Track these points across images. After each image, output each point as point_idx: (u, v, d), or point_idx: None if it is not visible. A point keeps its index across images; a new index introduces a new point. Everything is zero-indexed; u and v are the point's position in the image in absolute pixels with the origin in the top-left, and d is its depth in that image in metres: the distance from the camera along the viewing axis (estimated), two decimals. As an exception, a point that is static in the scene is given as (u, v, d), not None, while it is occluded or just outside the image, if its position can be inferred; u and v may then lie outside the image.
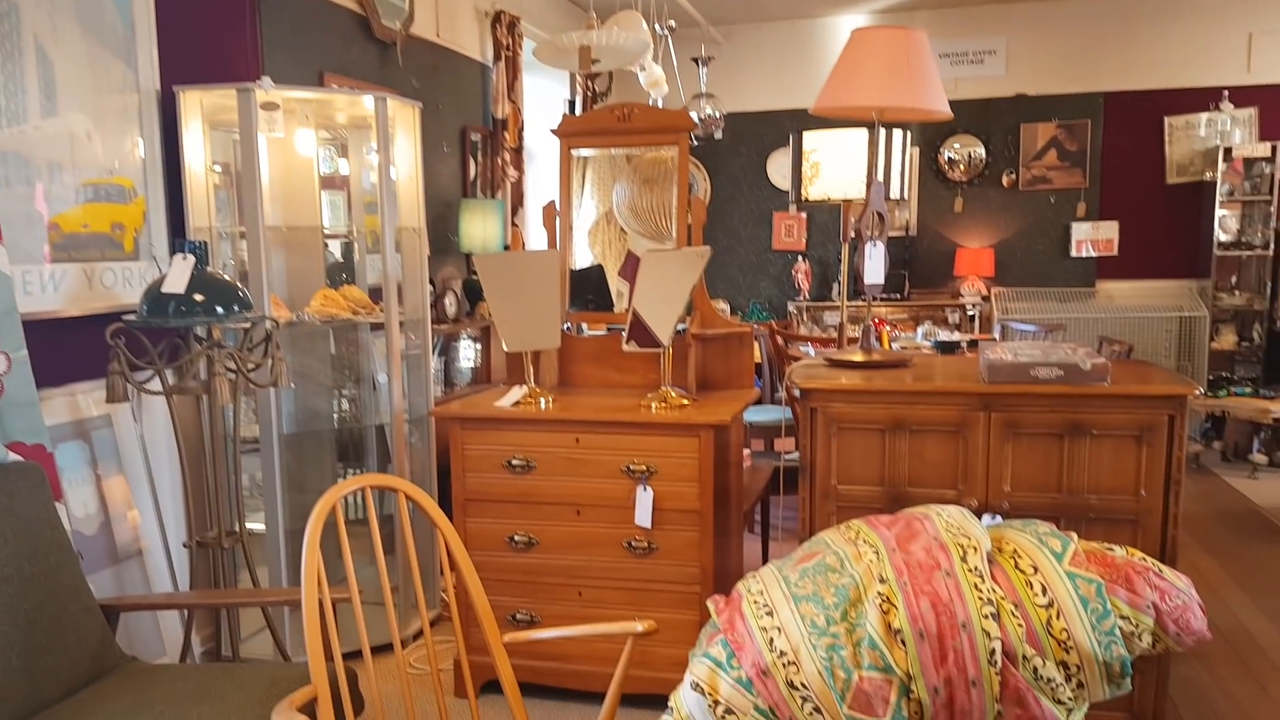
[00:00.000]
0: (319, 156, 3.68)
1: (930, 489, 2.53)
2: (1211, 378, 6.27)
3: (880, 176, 3.12)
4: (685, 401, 2.84)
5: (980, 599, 1.57)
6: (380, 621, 3.19)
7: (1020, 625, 1.57)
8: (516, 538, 2.83)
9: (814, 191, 3.23)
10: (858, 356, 2.86)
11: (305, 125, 3.58)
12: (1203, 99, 6.38)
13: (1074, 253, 6.69)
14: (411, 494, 1.92)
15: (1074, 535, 1.75)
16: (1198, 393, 2.36)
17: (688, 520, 2.72)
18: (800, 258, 7.02)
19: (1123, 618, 1.61)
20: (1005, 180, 6.78)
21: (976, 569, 1.61)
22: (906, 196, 3.40)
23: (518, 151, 5.40)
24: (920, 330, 5.17)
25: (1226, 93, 6.30)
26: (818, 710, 1.52)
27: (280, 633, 2.86)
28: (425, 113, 3.64)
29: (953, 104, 6.77)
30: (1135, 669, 2.51)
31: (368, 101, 3.33)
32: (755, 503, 3.76)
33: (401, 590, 3.37)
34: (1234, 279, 6.41)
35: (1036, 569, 1.63)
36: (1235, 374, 6.29)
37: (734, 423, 3.01)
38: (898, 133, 3.33)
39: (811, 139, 3.22)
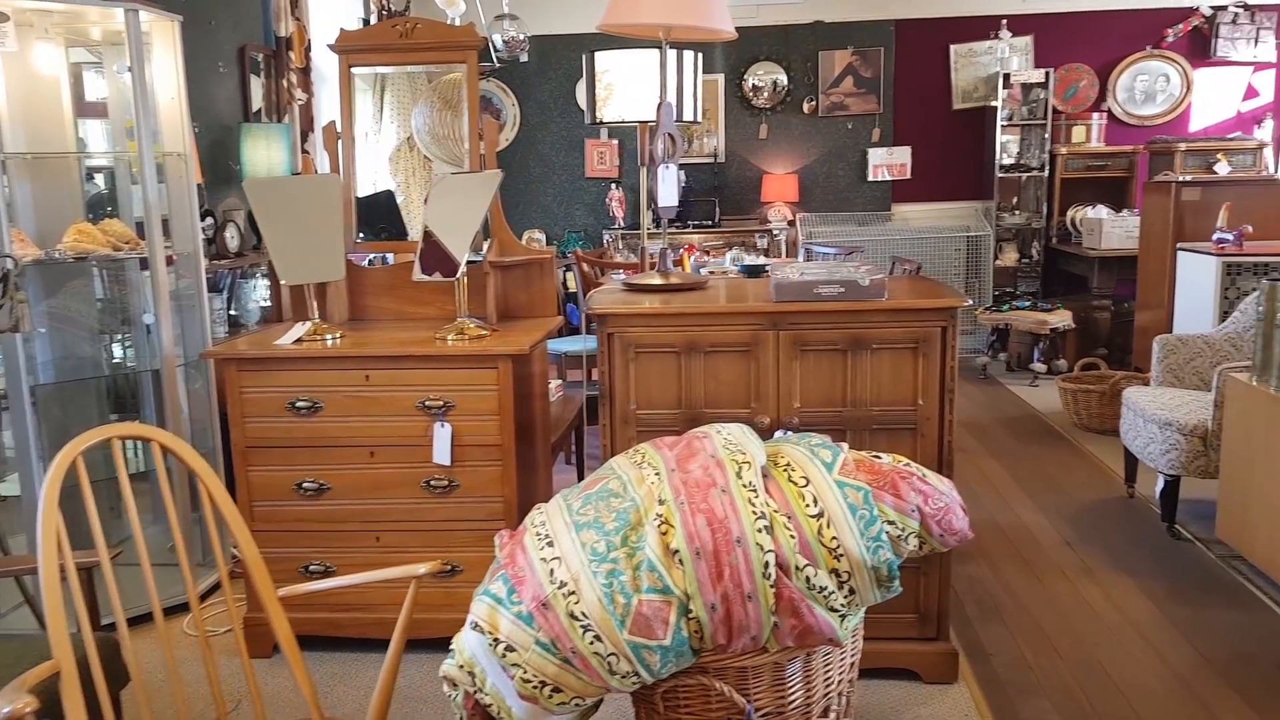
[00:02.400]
0: (69, 76, 3.28)
1: (726, 409, 2.55)
2: (997, 293, 6.71)
3: (673, 98, 3.08)
4: (483, 332, 2.75)
5: (754, 513, 1.58)
6: (173, 582, 2.98)
7: (793, 536, 1.59)
8: (305, 484, 2.68)
9: (608, 113, 3.15)
10: (655, 280, 2.83)
11: (47, 40, 3.18)
12: (985, 27, 6.70)
13: (871, 177, 6.96)
14: (166, 443, 1.75)
15: (844, 446, 1.79)
16: (967, 304, 2.47)
17: (489, 455, 2.64)
18: (614, 185, 6.96)
19: (889, 522, 1.66)
20: (806, 107, 6.93)
21: (751, 484, 1.61)
22: (702, 119, 3.38)
23: (305, 73, 5.04)
24: (729, 255, 5.24)
25: (1005, 21, 6.63)
26: (598, 638, 1.50)
27: (39, 604, 2.61)
28: (193, 29, 3.31)
29: (753, 30, 6.80)
30: (920, 570, 2.67)
31: (119, 14, 2.98)
32: (567, 433, 3.72)
33: (183, 549, 3.15)
34: (1015, 199, 6.84)
35: (809, 480, 1.66)
36: (1019, 289, 6.75)
37: (535, 352, 2.94)
38: (690, 54, 3.29)
39: (604, 59, 3.14)
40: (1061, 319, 5.91)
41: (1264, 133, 6.39)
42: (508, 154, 7.03)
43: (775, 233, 6.67)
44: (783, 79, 6.91)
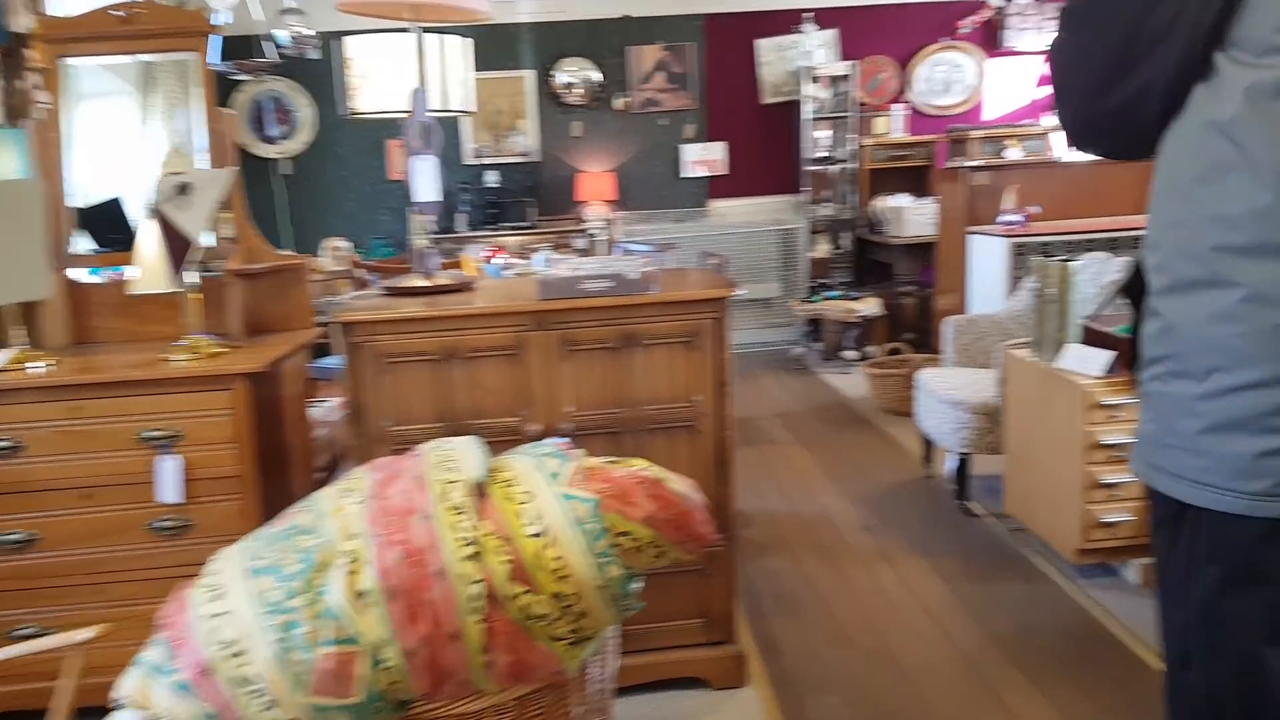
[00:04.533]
0: None
1: (493, 419, 2.37)
2: (812, 284, 6.80)
3: (440, 86, 2.88)
4: (219, 350, 2.46)
5: (461, 540, 1.40)
6: None
7: (509, 561, 1.42)
8: (9, 537, 2.33)
9: (362, 103, 2.91)
10: (416, 283, 2.62)
11: None
12: (790, 20, 6.78)
13: (687, 173, 6.93)
14: None
15: (578, 453, 1.64)
16: (738, 294, 2.37)
17: (226, 488, 2.37)
18: (423, 189, 6.66)
19: (621, 534, 1.52)
20: (620, 103, 6.83)
21: (459, 506, 1.43)
22: (473, 108, 3.19)
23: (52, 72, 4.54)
24: (538, 257, 5.07)
25: (810, 14, 6.72)
26: (274, 704, 1.28)
27: None
28: None
29: (561, 25, 6.62)
30: (704, 572, 2.57)
31: None
32: (338, 459, 3.45)
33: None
34: (826, 191, 6.95)
35: (532, 495, 1.50)
36: (834, 279, 6.86)
37: (288, 369, 2.68)
38: (455, 39, 3.09)
39: (354, 45, 2.89)
40: (870, 307, 6.03)
41: (1051, 119, 6.72)
42: (305, 158, 6.63)
43: (593, 232, 6.54)
44: (595, 75, 6.79)
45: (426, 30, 2.79)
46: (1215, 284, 1.04)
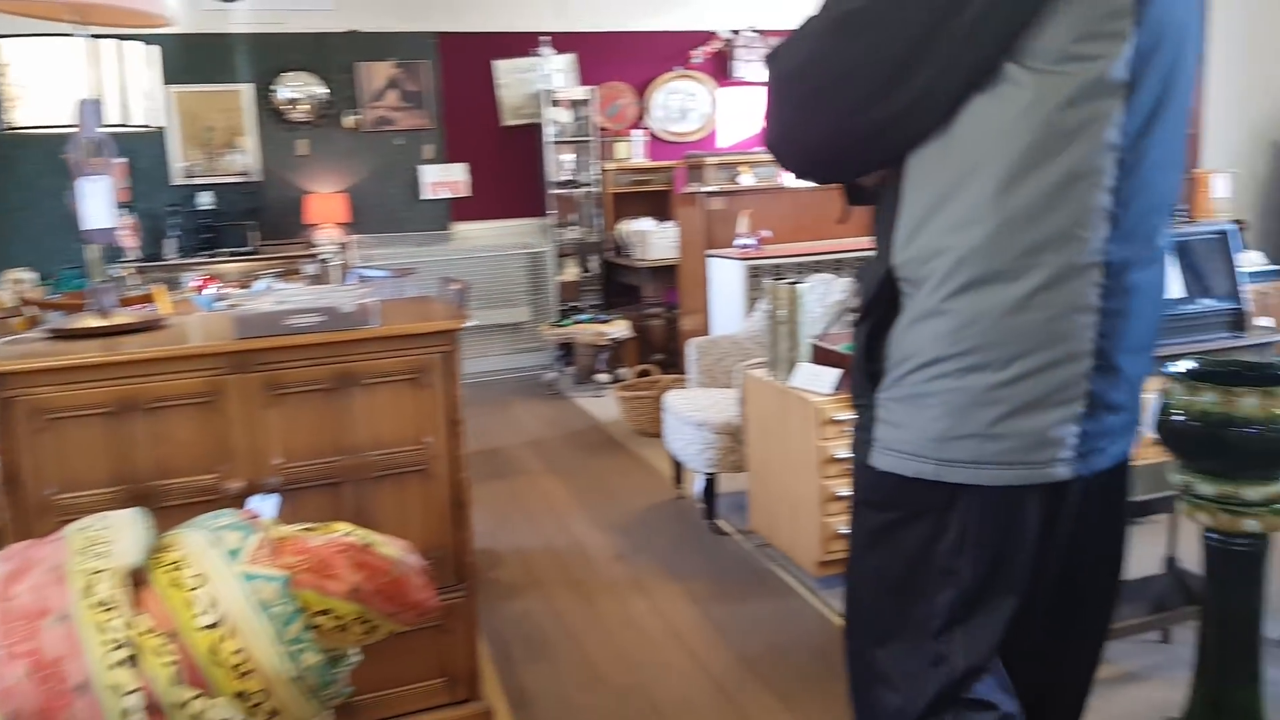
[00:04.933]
0: None
1: (184, 478, 2.06)
2: (562, 308, 6.74)
3: (119, 97, 2.52)
4: None
5: (109, 642, 1.14)
6: None
7: (173, 662, 1.18)
8: None
9: (22, 117, 2.50)
10: (88, 323, 2.26)
11: None
12: (527, 44, 6.71)
13: (427, 195, 6.68)
14: None
15: (266, 522, 1.41)
16: (467, 325, 2.22)
17: None
18: (124, 210, 5.97)
19: (320, 613, 1.31)
20: (350, 122, 6.48)
21: (106, 601, 1.17)
22: (163, 122, 2.84)
23: None
24: (259, 285, 4.65)
25: (547, 38, 6.69)
26: None
27: None
28: None
29: (281, 38, 6.18)
30: (442, 628, 2.37)
31: None
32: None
33: None
34: (572, 215, 6.94)
35: (205, 578, 1.26)
36: (583, 302, 6.84)
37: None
38: (138, 46, 2.73)
39: (8, 49, 2.48)
40: (620, 329, 6.05)
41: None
42: (-21, 178, 5.76)
43: (325, 257, 6.13)
44: (321, 91, 6.39)
45: (101, 36, 2.44)
46: (1016, 276, 1.10)
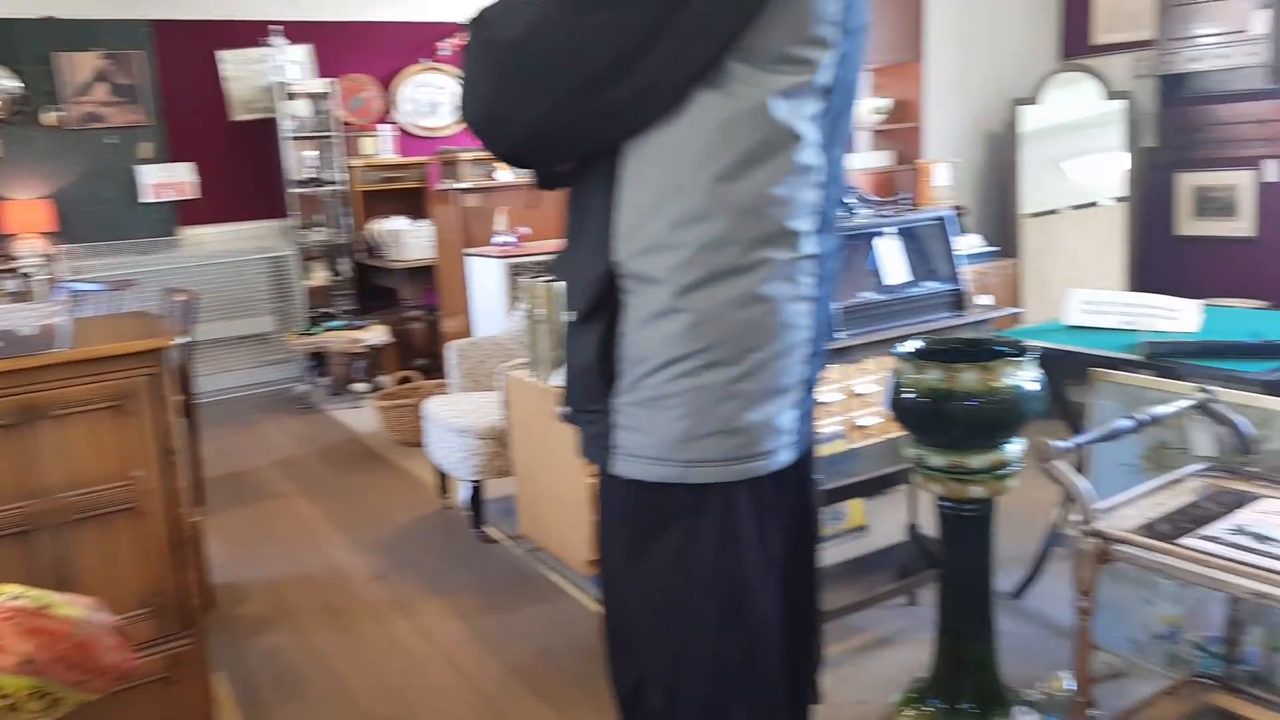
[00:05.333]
0: None
1: None
2: (312, 315, 6.34)
3: None
4: None
5: None
6: None
7: None
8: None
9: None
10: None
11: None
12: (255, 33, 6.24)
13: (148, 198, 6.06)
14: None
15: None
16: (175, 343, 1.97)
17: None
18: None
19: (-23, 700, 1.09)
20: (51, 119, 5.76)
21: None
22: None
23: None
24: (-60, 306, 4.02)
25: (278, 28, 6.25)
26: None
27: None
28: None
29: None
30: (169, 679, 2.11)
31: None
32: None
33: None
34: (318, 215, 6.54)
35: None
36: (336, 308, 6.47)
37: None
38: None
39: None
40: (377, 335, 5.76)
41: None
42: None
43: (27, 271, 5.42)
44: (13, 84, 5.64)
45: None
46: (746, 271, 1.11)
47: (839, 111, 1.18)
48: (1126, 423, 1.72)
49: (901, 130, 4.56)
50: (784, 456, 1.21)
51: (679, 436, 1.14)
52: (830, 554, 3.22)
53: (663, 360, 1.14)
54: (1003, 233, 4.80)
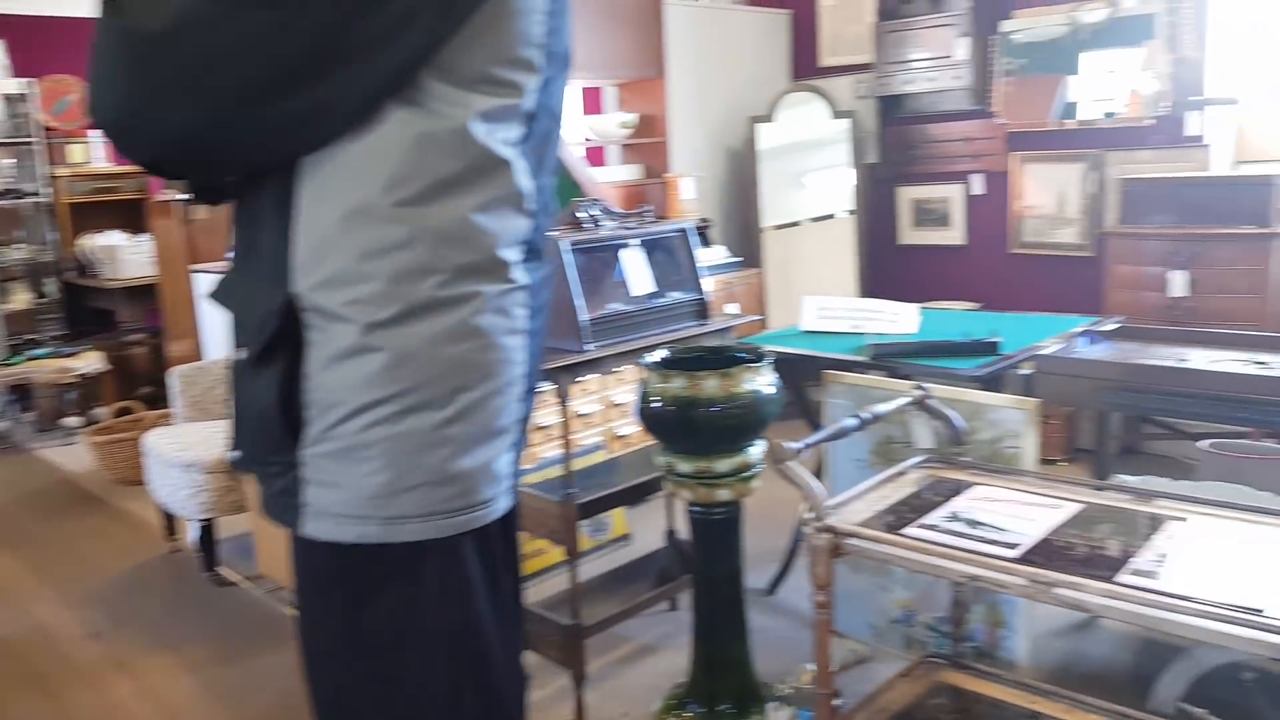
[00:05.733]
0: None
1: None
2: (13, 342, 5.61)
3: None
4: None
5: None
6: None
7: None
8: None
9: None
10: None
11: None
12: (-70, 24, 5.46)
13: None
14: None
15: None
16: None
17: None
18: None
19: None
20: None
21: None
22: None
23: None
24: None
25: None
26: None
27: None
28: None
29: None
30: None
31: None
32: None
33: None
34: (18, 231, 5.80)
35: None
36: (42, 334, 5.76)
37: None
38: None
39: None
40: (91, 362, 5.17)
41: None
42: None
43: None
44: None
45: None
46: (453, 303, 1.01)
47: (544, 138, 1.11)
48: (852, 421, 1.79)
49: (649, 145, 4.65)
50: (504, 503, 1.12)
51: (379, 491, 1.02)
52: (594, 566, 3.21)
53: (357, 405, 1.01)
54: (747, 244, 5.02)
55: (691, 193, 4.58)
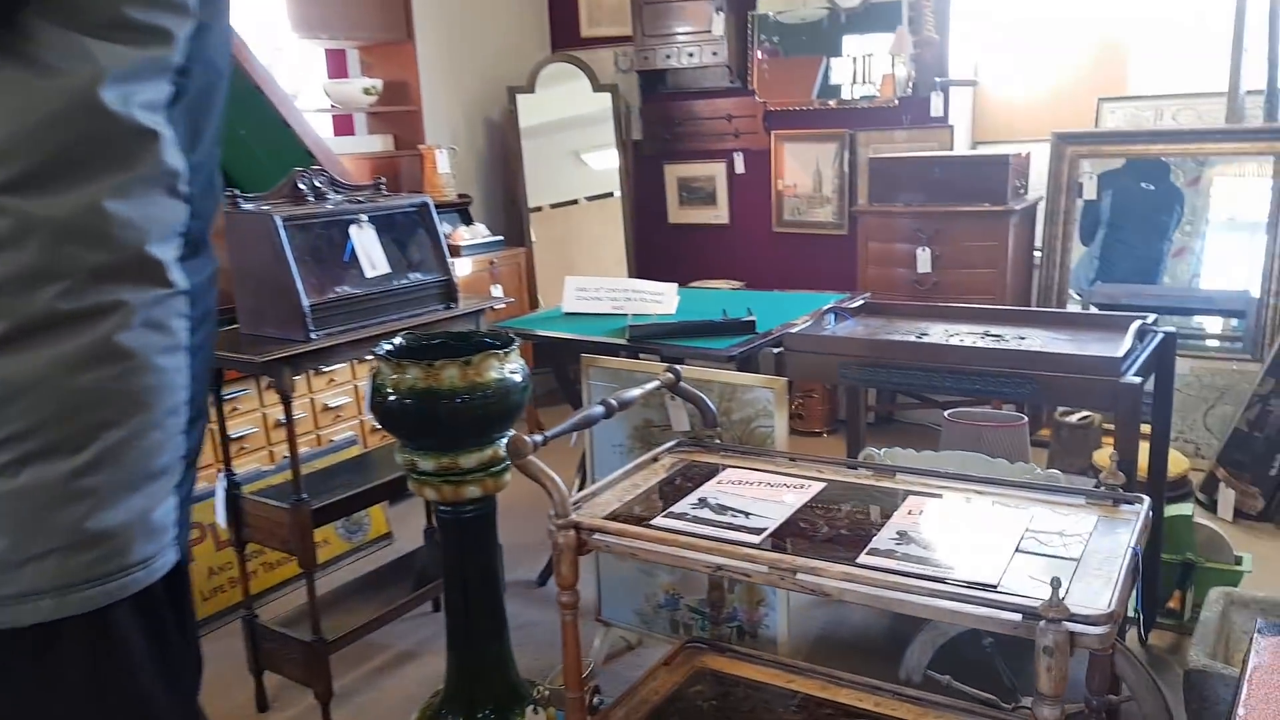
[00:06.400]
0: None
1: None
2: None
3: None
4: None
5: None
6: None
7: None
8: None
9: None
10: None
11: None
12: None
13: None
14: None
15: None
16: None
17: None
18: None
19: None
20: None
21: None
22: None
23: None
24: None
25: None
26: None
27: None
28: None
29: None
30: None
31: None
32: None
33: None
34: None
35: None
36: None
37: None
38: None
39: None
40: None
41: None
42: None
43: None
44: None
45: None
46: (86, 317, 0.81)
47: (202, 99, 0.90)
48: (598, 409, 1.70)
49: (400, 114, 4.35)
50: (169, 558, 0.92)
51: None
52: (352, 569, 2.98)
53: None
54: (511, 222, 4.86)
55: (446, 166, 4.35)
